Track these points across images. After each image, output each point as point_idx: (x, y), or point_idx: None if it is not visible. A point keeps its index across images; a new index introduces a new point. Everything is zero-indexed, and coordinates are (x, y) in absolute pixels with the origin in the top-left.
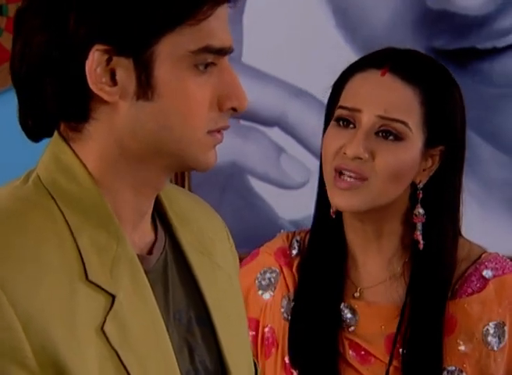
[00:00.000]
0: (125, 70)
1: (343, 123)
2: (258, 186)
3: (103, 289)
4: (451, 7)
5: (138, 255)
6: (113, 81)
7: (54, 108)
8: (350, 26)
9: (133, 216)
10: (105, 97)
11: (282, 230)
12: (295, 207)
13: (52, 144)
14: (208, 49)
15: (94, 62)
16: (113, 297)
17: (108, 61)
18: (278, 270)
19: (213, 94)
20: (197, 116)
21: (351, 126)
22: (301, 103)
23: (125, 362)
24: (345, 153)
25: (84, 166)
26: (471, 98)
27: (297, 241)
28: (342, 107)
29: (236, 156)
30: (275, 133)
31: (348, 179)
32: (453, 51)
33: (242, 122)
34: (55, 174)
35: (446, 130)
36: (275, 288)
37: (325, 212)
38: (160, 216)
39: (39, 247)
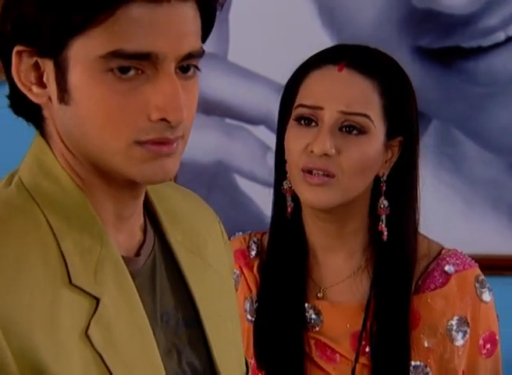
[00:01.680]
0: (50, 72)
1: (304, 122)
2: (245, 185)
3: (87, 292)
4: (436, 6)
5: (124, 257)
6: (42, 83)
7: (12, 102)
8: (337, 25)
9: (113, 220)
10: (33, 98)
11: (236, 233)
12: None
13: (34, 145)
14: (119, 54)
15: (23, 63)
16: (97, 300)
17: (37, 62)
18: (238, 272)
19: (141, 102)
20: (114, 124)
21: (313, 124)
22: None
23: (109, 366)
24: (312, 151)
25: (63, 168)
26: (456, 97)
27: (255, 242)
28: (302, 105)
29: (222, 155)
30: (261, 132)
31: (317, 175)
32: (438, 50)
33: (228, 120)
34: (38, 177)
35: (404, 121)
36: (236, 290)
37: (282, 213)
38: (150, 215)
39: (21, 252)
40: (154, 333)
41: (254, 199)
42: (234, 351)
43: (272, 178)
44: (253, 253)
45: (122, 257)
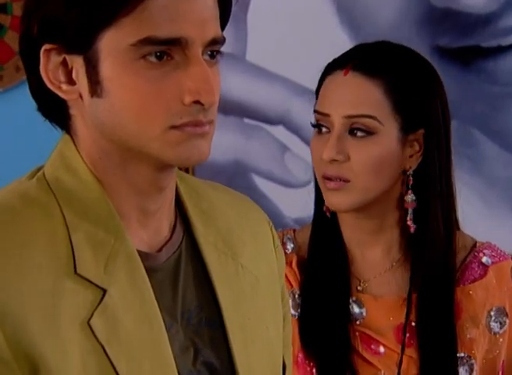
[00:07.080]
0: (79, 68)
1: (319, 129)
2: (263, 184)
3: (92, 283)
4: (455, 5)
5: (143, 252)
6: (71, 80)
7: (38, 104)
8: (355, 24)
9: (137, 215)
10: (63, 95)
11: None
12: (300, 205)
13: (61, 141)
14: (149, 41)
15: (51, 61)
16: (104, 291)
17: (65, 60)
18: None
19: (174, 87)
20: (149, 110)
21: (326, 130)
22: (306, 101)
23: (111, 357)
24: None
25: (86, 163)
26: (475, 97)
27: (289, 238)
28: (316, 112)
29: (240, 155)
30: (279, 132)
31: (333, 181)
32: (457, 49)
33: (246, 120)
34: (59, 170)
35: (421, 114)
36: None
37: (321, 211)
38: (182, 214)
39: (27, 240)
40: (170, 330)
41: (272, 199)
42: (266, 354)
43: (289, 177)
44: (289, 248)
45: (142, 252)
